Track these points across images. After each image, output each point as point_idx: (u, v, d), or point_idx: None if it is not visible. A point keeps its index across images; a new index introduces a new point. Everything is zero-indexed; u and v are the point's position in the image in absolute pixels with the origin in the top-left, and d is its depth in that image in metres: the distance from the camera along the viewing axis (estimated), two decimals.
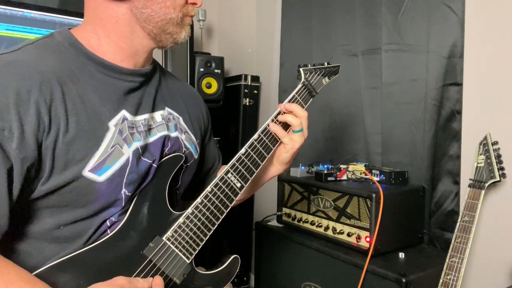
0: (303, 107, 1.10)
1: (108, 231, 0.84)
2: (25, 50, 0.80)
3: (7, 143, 0.70)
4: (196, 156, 1.04)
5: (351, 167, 1.72)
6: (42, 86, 0.74)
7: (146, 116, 0.91)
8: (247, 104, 2.35)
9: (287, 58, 2.32)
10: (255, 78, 2.38)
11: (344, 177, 1.70)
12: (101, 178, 0.80)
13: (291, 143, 1.03)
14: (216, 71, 2.20)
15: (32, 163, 0.73)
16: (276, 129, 1.02)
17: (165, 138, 0.94)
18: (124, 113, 0.86)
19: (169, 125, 0.96)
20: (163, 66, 1.18)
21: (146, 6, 0.83)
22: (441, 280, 1.31)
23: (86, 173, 0.78)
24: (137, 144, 0.86)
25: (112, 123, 0.83)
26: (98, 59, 0.85)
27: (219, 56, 2.27)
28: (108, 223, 0.84)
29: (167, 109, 0.98)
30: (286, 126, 1.05)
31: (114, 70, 0.86)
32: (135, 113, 0.89)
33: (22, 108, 0.72)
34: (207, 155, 1.16)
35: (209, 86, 2.19)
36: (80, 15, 1.87)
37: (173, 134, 0.97)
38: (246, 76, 2.35)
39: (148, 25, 0.85)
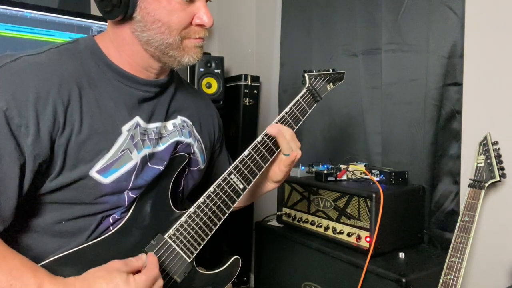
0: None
1: (111, 228, 0.85)
2: (48, 54, 0.83)
3: (22, 139, 0.73)
4: (202, 166, 1.05)
5: (351, 167, 1.72)
6: (61, 88, 0.78)
7: (158, 124, 0.93)
8: (247, 104, 2.35)
9: (287, 58, 2.31)
10: (255, 78, 2.38)
11: (344, 177, 1.70)
12: (106, 180, 0.82)
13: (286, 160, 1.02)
14: (216, 71, 2.20)
15: (44, 160, 0.76)
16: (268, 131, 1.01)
17: (177, 143, 0.96)
18: (137, 119, 0.89)
19: (183, 131, 0.99)
20: None
21: (143, 30, 0.84)
22: (441, 280, 1.31)
23: (93, 173, 0.81)
24: (146, 151, 0.88)
25: (125, 128, 0.86)
26: (116, 68, 0.88)
27: (219, 56, 2.27)
28: (111, 220, 0.86)
29: (180, 117, 1.00)
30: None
31: (131, 79, 0.89)
32: (148, 120, 0.91)
33: (40, 107, 0.75)
34: (217, 165, 1.18)
35: (209, 86, 2.19)
36: (80, 15, 1.88)
37: (187, 140, 0.99)
38: (246, 76, 2.34)
39: (150, 48, 0.87)
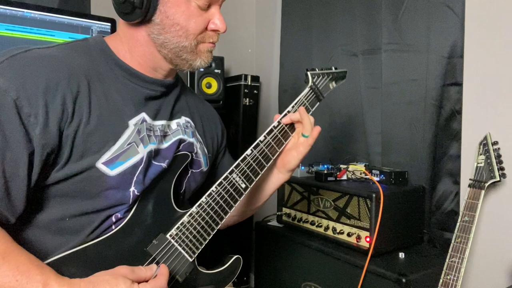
0: (309, 111, 1.10)
1: (113, 227, 0.86)
2: (59, 48, 0.85)
3: (31, 128, 0.74)
4: (205, 168, 1.06)
5: (351, 167, 1.72)
6: (70, 79, 0.79)
7: (163, 122, 0.95)
8: (247, 104, 2.35)
9: (287, 58, 2.32)
10: (255, 78, 2.38)
11: (344, 177, 1.70)
12: (112, 172, 0.83)
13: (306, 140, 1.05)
14: (216, 71, 2.20)
15: (52, 149, 0.77)
16: (292, 117, 1.04)
17: (180, 141, 0.97)
18: (144, 115, 0.90)
19: (187, 131, 1.00)
20: None
21: (160, 33, 0.87)
22: (441, 280, 1.31)
23: (99, 165, 0.81)
24: (152, 147, 0.89)
25: (132, 122, 0.87)
26: (124, 65, 0.90)
27: (219, 56, 2.27)
28: (113, 218, 0.86)
29: (184, 118, 1.02)
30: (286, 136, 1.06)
31: (138, 77, 0.91)
32: (154, 117, 0.93)
33: (50, 97, 0.76)
34: (221, 169, 1.18)
35: (209, 86, 2.19)
36: (80, 15, 1.88)
37: (190, 139, 1.00)
38: (246, 76, 2.34)
39: (164, 50, 0.89)
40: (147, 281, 0.77)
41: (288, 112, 1.06)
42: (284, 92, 2.32)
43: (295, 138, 1.06)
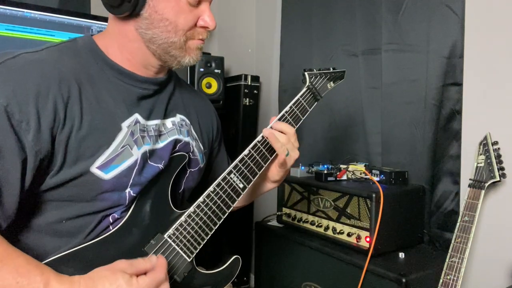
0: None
1: (111, 227, 0.86)
2: (48, 51, 0.84)
3: (23, 135, 0.74)
4: (202, 165, 1.06)
5: (351, 167, 1.72)
6: (61, 84, 0.79)
7: (157, 121, 0.94)
8: (247, 104, 2.35)
9: (287, 58, 2.32)
10: (255, 78, 2.38)
11: (344, 177, 1.70)
12: (107, 176, 0.82)
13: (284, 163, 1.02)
14: (216, 71, 2.20)
15: (45, 155, 0.77)
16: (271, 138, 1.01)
17: (176, 142, 0.97)
18: (137, 116, 0.90)
19: (182, 130, 1.00)
20: None
21: (148, 28, 0.86)
22: (441, 280, 1.31)
23: (94, 169, 0.81)
24: (146, 148, 0.89)
25: (125, 124, 0.87)
26: (115, 65, 0.89)
27: (219, 56, 2.27)
28: (110, 219, 0.86)
29: (178, 116, 1.01)
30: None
31: (129, 77, 0.90)
32: (147, 117, 0.92)
33: (41, 103, 0.75)
34: (216, 165, 1.19)
35: (209, 86, 2.19)
36: (80, 15, 1.88)
37: (185, 139, 1.00)
38: (246, 76, 2.34)
39: (152, 46, 0.88)
40: (146, 272, 0.77)
41: (286, 112, 1.06)
42: (284, 92, 2.32)
43: None
